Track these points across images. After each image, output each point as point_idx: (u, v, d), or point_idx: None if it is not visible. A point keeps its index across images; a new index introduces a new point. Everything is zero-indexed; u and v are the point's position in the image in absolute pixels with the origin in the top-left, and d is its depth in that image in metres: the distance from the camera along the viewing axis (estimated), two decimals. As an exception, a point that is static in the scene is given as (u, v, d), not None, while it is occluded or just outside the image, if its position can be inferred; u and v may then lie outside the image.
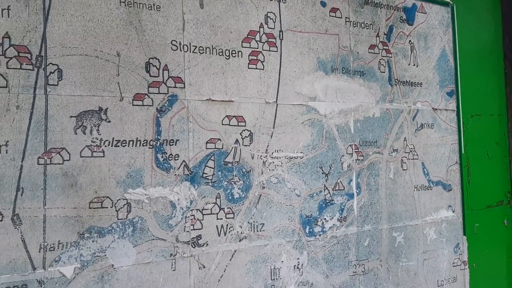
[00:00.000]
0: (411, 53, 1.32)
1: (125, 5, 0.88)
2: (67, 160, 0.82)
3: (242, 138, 1.02)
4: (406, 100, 1.29)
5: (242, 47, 1.03)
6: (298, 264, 1.08)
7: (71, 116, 0.83)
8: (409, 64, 1.31)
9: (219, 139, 0.99)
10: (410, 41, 1.32)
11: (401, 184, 1.26)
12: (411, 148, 1.30)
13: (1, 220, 0.77)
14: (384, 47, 1.26)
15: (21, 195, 0.78)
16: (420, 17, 1.34)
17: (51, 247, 0.80)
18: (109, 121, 0.86)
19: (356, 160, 1.19)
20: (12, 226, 0.78)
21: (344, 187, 1.17)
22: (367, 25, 1.23)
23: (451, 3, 1.41)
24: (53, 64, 0.82)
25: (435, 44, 1.37)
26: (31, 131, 0.79)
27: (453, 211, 1.36)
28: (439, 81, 1.37)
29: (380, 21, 1.26)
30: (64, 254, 0.82)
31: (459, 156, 1.39)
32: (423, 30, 1.35)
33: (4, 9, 0.78)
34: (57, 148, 0.81)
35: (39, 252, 0.80)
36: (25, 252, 0.79)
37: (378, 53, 1.25)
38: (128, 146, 0.89)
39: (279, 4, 1.08)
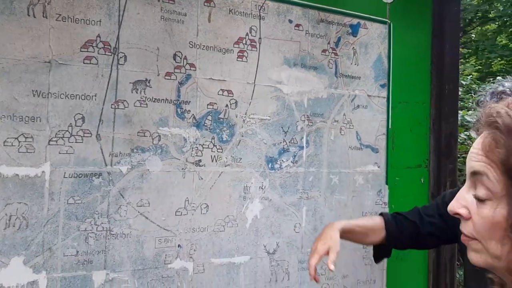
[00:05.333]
0: (354, 56, 1.92)
1: (164, 20, 1.51)
2: (127, 107, 1.46)
3: (230, 104, 1.64)
4: (347, 88, 1.89)
5: (233, 47, 1.64)
6: (262, 186, 1.70)
7: (130, 82, 1.46)
8: (351, 64, 1.91)
9: (216, 103, 1.61)
10: (353, 47, 1.91)
11: (339, 144, 1.86)
12: (349, 121, 1.89)
13: (90, 137, 1.41)
14: (333, 51, 1.86)
15: (102, 124, 1.42)
16: (363, 31, 1.94)
17: (115, 155, 1.44)
18: (151, 87, 1.49)
19: (307, 125, 1.80)
20: (96, 140, 1.42)
21: (297, 141, 1.78)
22: (321, 36, 1.83)
23: (389, 21, 2.00)
24: (122, 53, 1.45)
25: (373, 51, 1.96)
26: (109, 89, 1.43)
27: (378, 167, 1.96)
28: (374, 76, 1.96)
29: (331, 34, 1.86)
30: (122, 159, 1.45)
31: (386, 130, 1.98)
32: (365, 41, 1.94)
33: (98, 21, 1.42)
34: (122, 100, 1.45)
35: (109, 156, 1.43)
36: (101, 156, 1.42)
37: (328, 55, 1.85)
38: (160, 103, 1.51)
39: (259, 21, 1.70)
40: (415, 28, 2.07)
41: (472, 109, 4.42)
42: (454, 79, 2.09)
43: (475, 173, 0.65)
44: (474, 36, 10.33)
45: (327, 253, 1.34)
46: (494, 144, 0.63)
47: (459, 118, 2.25)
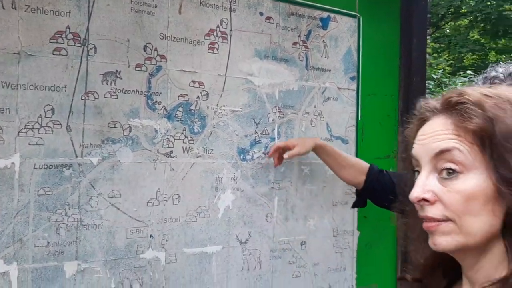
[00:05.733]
0: (324, 49, 1.95)
1: (134, 11, 1.51)
2: (97, 98, 1.46)
3: (201, 96, 1.66)
4: (318, 81, 1.93)
5: (204, 39, 1.66)
6: (234, 177, 1.72)
7: (100, 74, 1.47)
8: (321, 56, 1.94)
9: (187, 94, 1.62)
10: (323, 41, 1.95)
11: (310, 135, 1.89)
12: (319, 113, 1.93)
13: (60, 128, 1.41)
14: (304, 44, 1.89)
15: (72, 116, 1.42)
16: (333, 25, 1.97)
17: (86, 146, 1.44)
18: (121, 78, 1.49)
19: (278, 116, 1.83)
20: (66, 132, 1.42)
21: (269, 133, 1.81)
22: (292, 28, 1.86)
23: (358, 15, 2.04)
24: (92, 44, 1.45)
25: (343, 44, 2.00)
26: (78, 80, 1.43)
27: (348, 158, 2.00)
28: (344, 69, 2.00)
29: (302, 26, 1.89)
30: (93, 150, 1.45)
31: (356, 121, 2.03)
32: (334, 34, 1.98)
33: (68, 12, 1.41)
34: (92, 91, 1.45)
35: (79, 148, 1.43)
36: (72, 147, 1.42)
37: (299, 48, 1.88)
38: (131, 94, 1.52)
39: (230, 13, 1.72)
40: (384, 22, 2.12)
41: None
42: (421, 72, 2.14)
43: (442, 152, 0.67)
44: (448, 31, 10.54)
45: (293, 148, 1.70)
46: (461, 119, 0.67)
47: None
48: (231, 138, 1.71)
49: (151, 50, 1.54)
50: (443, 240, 0.67)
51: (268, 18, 1.79)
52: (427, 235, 0.72)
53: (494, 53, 9.75)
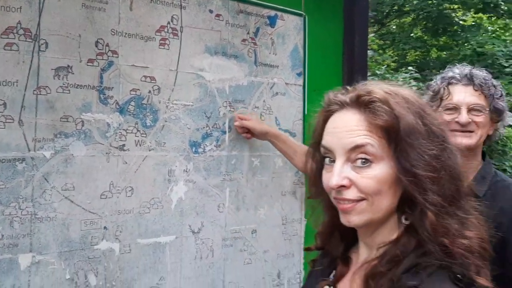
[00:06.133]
0: (272, 46, 2.04)
1: (85, 7, 1.53)
2: (49, 93, 1.48)
3: (153, 90, 1.70)
4: (266, 76, 2.01)
5: (155, 35, 1.70)
6: (186, 169, 1.78)
7: (51, 69, 1.48)
8: (270, 53, 2.03)
9: (139, 89, 1.66)
10: (271, 38, 2.03)
11: (259, 128, 1.98)
12: (268, 107, 2.02)
13: (12, 123, 1.42)
14: (252, 41, 1.97)
15: (24, 110, 1.43)
16: (280, 23, 2.06)
17: (38, 140, 1.46)
18: (73, 73, 1.52)
19: (229, 110, 1.90)
20: (18, 126, 1.43)
21: (220, 126, 1.88)
22: (241, 26, 1.93)
23: (304, 14, 2.14)
24: (43, 39, 1.47)
25: (290, 41, 2.10)
26: (30, 75, 1.44)
27: (296, 149, 2.11)
28: (291, 65, 2.10)
29: (250, 24, 1.96)
30: (46, 144, 1.47)
31: (302, 115, 2.13)
32: (282, 31, 2.07)
33: (18, 8, 1.42)
34: (44, 86, 1.47)
35: (32, 142, 1.45)
36: (24, 141, 1.43)
37: (248, 45, 1.95)
38: (83, 89, 1.55)
39: (181, 10, 1.77)
40: (328, 21, 2.24)
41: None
42: (363, 69, 2.28)
43: (357, 147, 0.81)
44: (394, 28, 10.95)
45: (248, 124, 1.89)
46: (372, 117, 0.81)
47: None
48: (183, 132, 1.76)
49: (103, 45, 1.57)
50: (356, 218, 0.83)
51: (218, 15, 1.86)
52: (328, 210, 0.92)
53: (435, 50, 10.24)
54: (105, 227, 1.57)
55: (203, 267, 1.81)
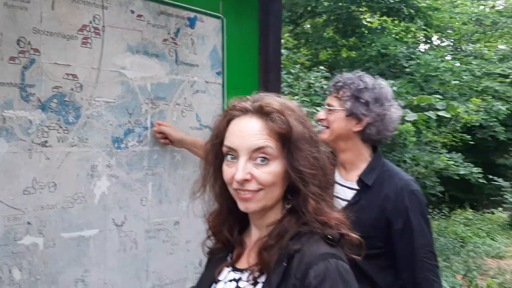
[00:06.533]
0: (192, 46, 2.14)
1: (7, 6, 1.54)
2: (-33, 90, 1.48)
3: (76, 87, 1.74)
4: (187, 75, 2.11)
5: (77, 34, 1.74)
6: (109, 164, 1.84)
7: (-30, 66, 1.48)
8: (190, 53, 2.13)
9: (61, 86, 1.69)
10: (191, 38, 2.14)
11: (181, 124, 2.06)
12: (189, 104, 2.12)
13: None
14: (173, 41, 2.06)
15: None
16: (200, 24, 2.17)
17: (-43, 137, 1.45)
18: (-7, 70, 1.53)
19: (151, 107, 1.98)
20: None
21: (142, 122, 1.95)
22: (162, 26, 2.02)
23: (222, 17, 2.26)
24: (-40, 35, 1.46)
25: (209, 42, 2.21)
26: None
27: (215, 144, 2.23)
28: (211, 65, 2.21)
29: (171, 25, 2.05)
30: (-35, 141, 1.47)
31: (222, 112, 2.25)
32: (201, 32, 2.17)
33: None
34: (-38, 82, 1.46)
35: (-50, 139, 1.44)
36: None
37: (169, 44, 2.04)
38: (5, 86, 1.55)
39: (102, 10, 1.82)
40: (245, 23, 2.38)
41: (301, 95, 5.06)
42: (276, 67, 2.45)
43: (259, 148, 1.01)
44: (309, 27, 11.42)
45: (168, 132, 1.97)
46: (272, 124, 1.02)
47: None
48: (105, 128, 1.82)
49: (25, 43, 1.58)
50: (254, 205, 1.03)
51: (139, 16, 1.93)
52: (222, 199, 1.12)
53: (345, 50, 10.84)
54: (28, 222, 1.60)
55: (127, 258, 1.88)
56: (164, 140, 1.98)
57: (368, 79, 1.85)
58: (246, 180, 1.01)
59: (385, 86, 1.85)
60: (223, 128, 1.08)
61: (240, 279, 1.08)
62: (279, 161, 1.02)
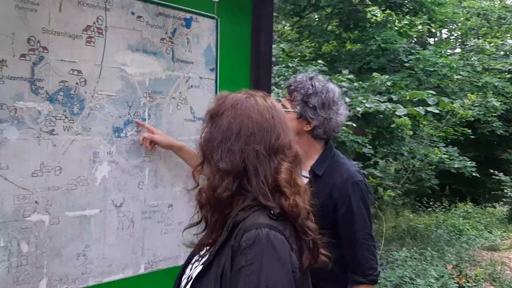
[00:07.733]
0: (188, 44, 2.33)
1: (18, 8, 1.74)
2: (-16, 83, 1.68)
3: (80, 82, 1.94)
4: (182, 71, 2.30)
5: (82, 33, 1.93)
6: (110, 151, 2.04)
7: (-13, 62, 1.68)
8: (185, 51, 2.32)
9: (67, 81, 1.89)
10: (187, 37, 2.32)
11: (176, 116, 2.27)
12: (184, 98, 2.31)
13: (-50, 109, 1.60)
14: (170, 40, 2.25)
15: (-39, 98, 1.62)
16: (195, 24, 2.35)
17: (-25, 125, 1.66)
18: (7, 66, 1.72)
19: (149, 100, 2.17)
20: (-44, 112, 1.61)
21: (140, 114, 2.14)
22: (160, 26, 2.20)
23: (216, 17, 2.44)
24: (-21, 35, 1.65)
25: (204, 41, 2.39)
26: (-33, 67, 1.63)
27: (208, 135, 2.42)
28: (205, 62, 2.40)
29: (168, 25, 2.24)
30: (-18, 129, 1.67)
31: (214, 105, 2.44)
32: (196, 32, 2.36)
33: (-44, 7, 1.60)
34: (-20, 77, 1.66)
35: (-31, 126, 1.64)
36: (-38, 126, 1.63)
37: (166, 43, 2.23)
38: (16, 80, 1.75)
39: (105, 12, 2.00)
40: (238, 23, 2.56)
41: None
42: (267, 65, 2.63)
43: None
44: (316, 18, 11.52)
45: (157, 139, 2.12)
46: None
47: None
48: (106, 119, 2.01)
49: (34, 42, 1.78)
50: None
51: (139, 17, 2.11)
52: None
53: (349, 43, 10.95)
54: (36, 202, 1.80)
55: (125, 236, 2.09)
56: (150, 144, 2.13)
57: (318, 82, 2.09)
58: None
59: (332, 90, 2.10)
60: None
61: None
62: None
